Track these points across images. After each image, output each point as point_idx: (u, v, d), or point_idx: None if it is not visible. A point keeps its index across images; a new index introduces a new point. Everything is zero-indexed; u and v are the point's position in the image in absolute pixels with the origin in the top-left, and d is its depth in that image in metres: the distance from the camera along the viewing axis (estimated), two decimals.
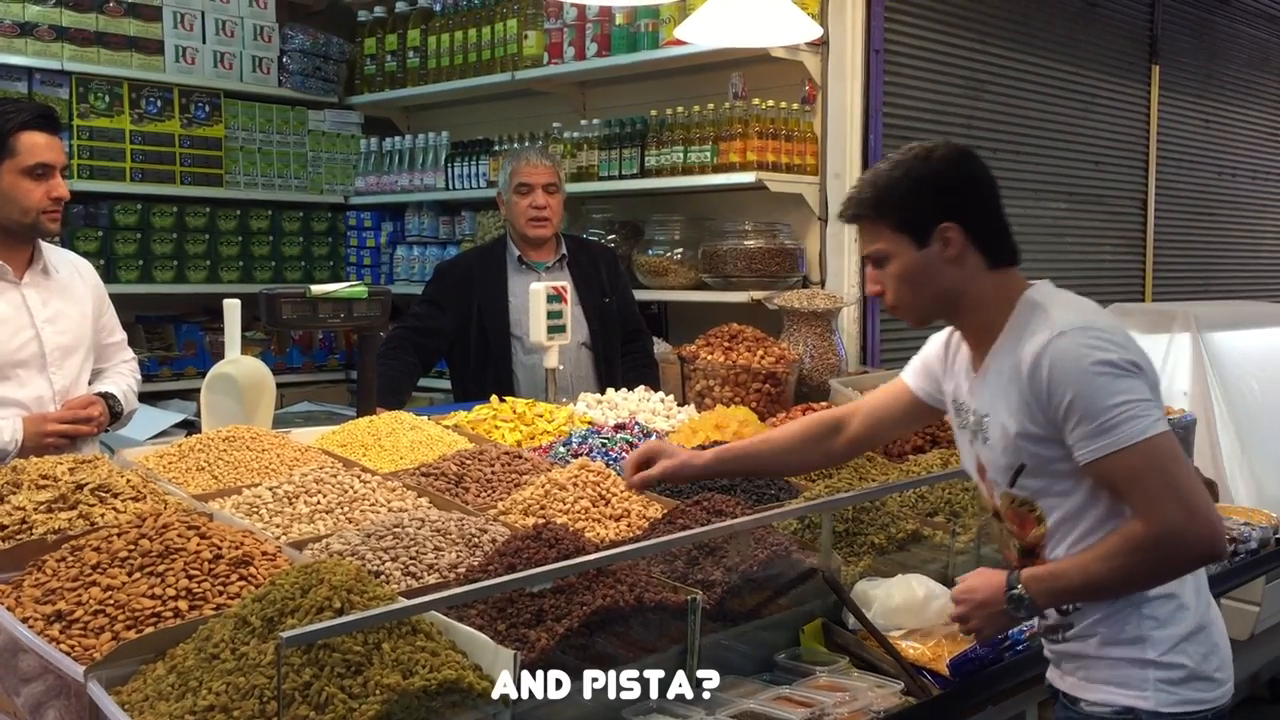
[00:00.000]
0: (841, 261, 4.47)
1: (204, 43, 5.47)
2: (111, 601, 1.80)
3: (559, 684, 1.71)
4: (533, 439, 3.18)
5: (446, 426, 3.11)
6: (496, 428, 3.21)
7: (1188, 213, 6.63)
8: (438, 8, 5.65)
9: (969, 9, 5.03)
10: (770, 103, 4.36)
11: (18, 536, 2.05)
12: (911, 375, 2.25)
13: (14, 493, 2.17)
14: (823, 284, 4.51)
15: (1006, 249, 1.97)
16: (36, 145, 2.94)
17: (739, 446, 2.39)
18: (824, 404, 3.73)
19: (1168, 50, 6.29)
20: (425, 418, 3.12)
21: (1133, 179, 6.18)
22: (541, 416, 3.31)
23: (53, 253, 3.16)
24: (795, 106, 4.46)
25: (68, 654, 1.70)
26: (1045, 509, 1.91)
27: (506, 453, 2.79)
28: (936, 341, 2.19)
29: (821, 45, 4.43)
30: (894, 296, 2.00)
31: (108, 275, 4.71)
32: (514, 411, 3.31)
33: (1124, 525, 1.80)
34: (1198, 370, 4.38)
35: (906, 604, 2.25)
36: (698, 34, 3.65)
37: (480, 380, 4.03)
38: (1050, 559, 1.91)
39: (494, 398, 3.41)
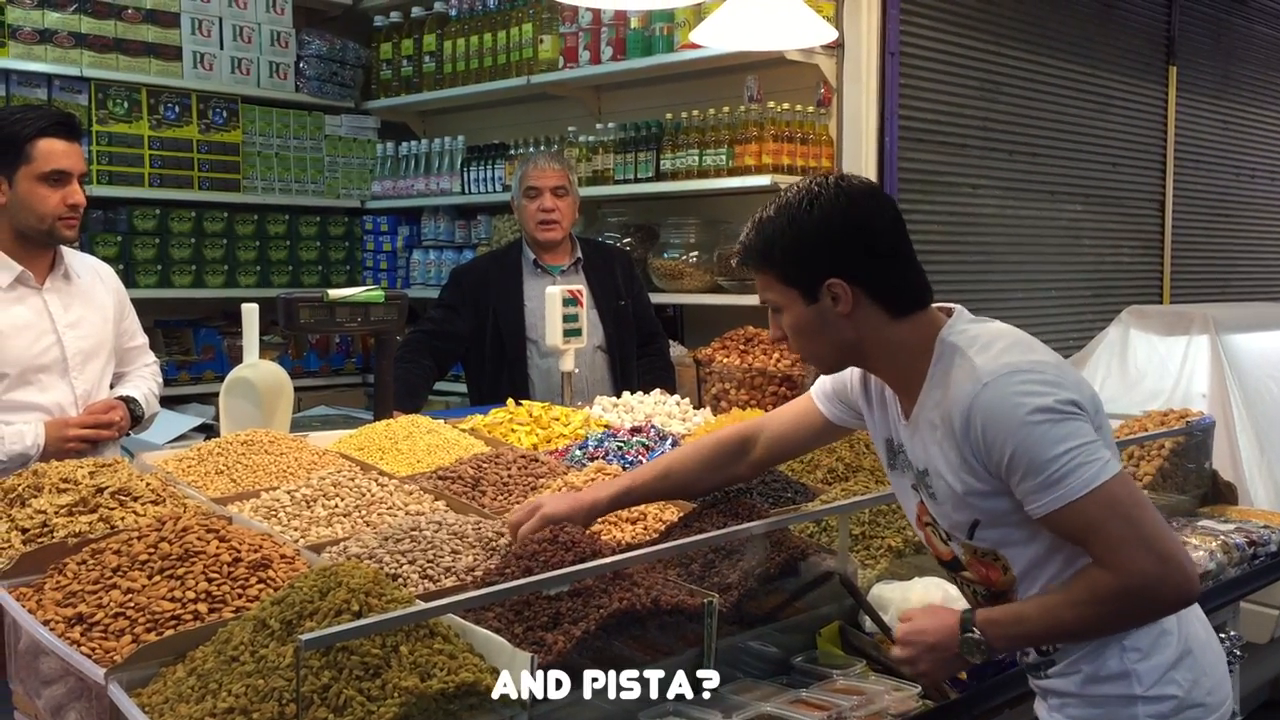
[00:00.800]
0: None
1: (222, 49, 5.50)
2: (132, 604, 1.81)
3: (572, 686, 1.72)
4: (549, 442, 3.19)
5: (463, 430, 3.12)
6: (513, 431, 3.22)
7: (1205, 214, 6.60)
8: (453, 12, 5.67)
9: (984, 11, 5.02)
10: (785, 106, 4.36)
11: (39, 540, 2.07)
12: (823, 399, 2.12)
13: (35, 496, 2.18)
14: None
15: (909, 296, 1.82)
16: (54, 152, 2.96)
17: (640, 483, 2.23)
18: None
19: (1185, 51, 6.26)
20: (442, 421, 3.12)
21: (1150, 180, 6.16)
22: (558, 420, 3.32)
23: (74, 258, 3.19)
24: (810, 109, 4.46)
25: (88, 656, 1.72)
26: (1009, 558, 1.81)
27: (523, 456, 2.79)
28: (855, 373, 2.03)
29: (836, 48, 4.43)
30: (795, 347, 1.89)
31: (127, 280, 4.73)
32: (530, 415, 3.32)
33: (1091, 571, 1.69)
34: (1216, 372, 4.36)
35: (922, 596, 2.24)
36: (713, 37, 3.66)
37: (496, 384, 4.04)
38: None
39: (510, 401, 3.42)
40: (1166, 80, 6.18)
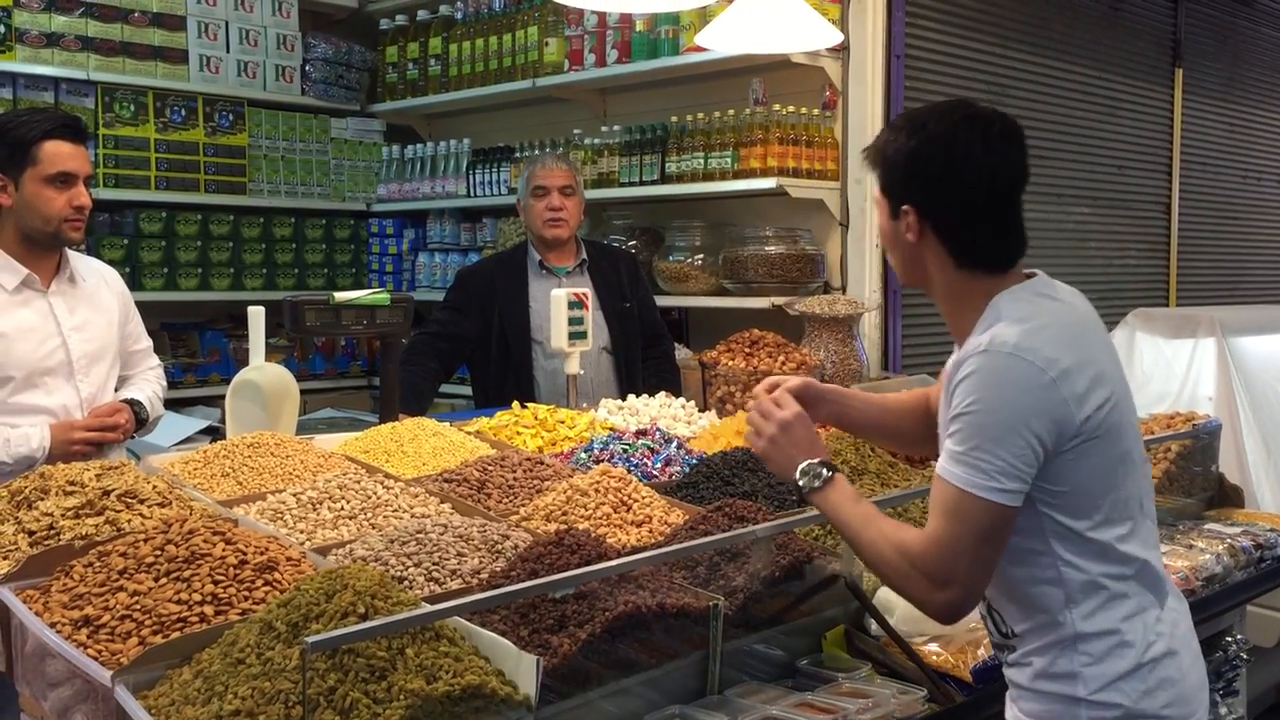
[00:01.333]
0: (863, 267, 4.47)
1: (228, 52, 5.52)
2: (138, 607, 1.81)
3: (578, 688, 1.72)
4: (554, 445, 3.19)
5: (468, 433, 3.12)
6: (518, 434, 3.22)
7: (1212, 217, 6.59)
8: (459, 16, 5.68)
9: (990, 13, 5.02)
10: (791, 108, 4.36)
11: (46, 542, 2.07)
12: None
13: (42, 499, 2.19)
14: (844, 289, 4.50)
15: (979, 253, 1.83)
16: (59, 154, 2.97)
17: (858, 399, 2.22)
18: None
19: (1191, 53, 6.25)
20: (447, 424, 3.13)
21: (1156, 183, 6.15)
22: (563, 423, 3.32)
23: (79, 261, 3.19)
24: (816, 112, 4.46)
25: (95, 659, 1.72)
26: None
27: (528, 459, 2.79)
28: None
29: (842, 51, 4.43)
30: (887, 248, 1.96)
31: (133, 283, 4.75)
32: (535, 418, 3.32)
33: (918, 532, 1.76)
34: (1223, 375, 4.36)
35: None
36: (718, 40, 3.66)
37: (502, 386, 4.05)
38: (990, 593, 1.86)
39: (515, 404, 3.42)
40: (1173, 83, 6.17)
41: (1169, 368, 4.53)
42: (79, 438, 2.97)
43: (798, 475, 1.88)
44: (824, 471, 1.86)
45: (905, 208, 1.82)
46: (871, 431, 2.33)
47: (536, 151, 5.19)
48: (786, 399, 1.96)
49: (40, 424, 2.95)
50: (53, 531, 2.10)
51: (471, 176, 5.55)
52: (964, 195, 1.79)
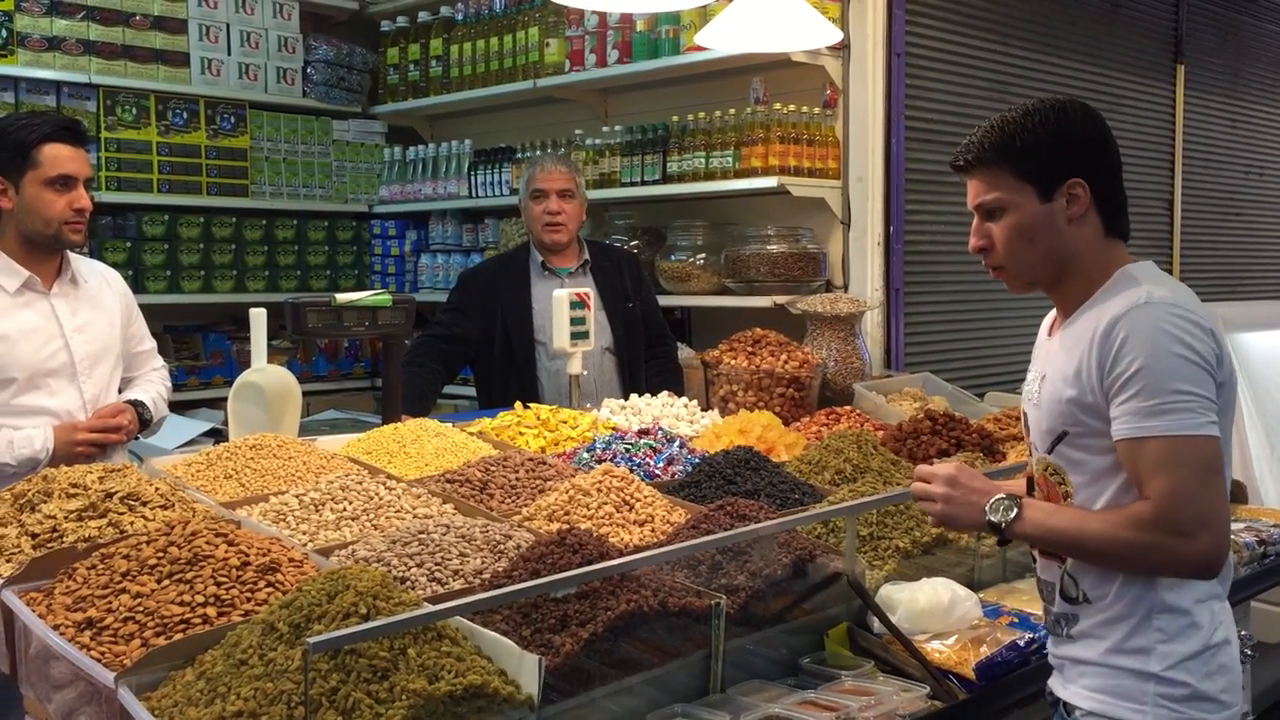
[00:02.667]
0: (864, 265, 4.47)
1: (229, 54, 5.52)
2: (141, 608, 1.82)
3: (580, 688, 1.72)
4: (557, 445, 3.19)
5: (471, 433, 3.12)
6: (520, 434, 3.22)
7: (1215, 213, 6.57)
8: (460, 17, 5.68)
9: (991, 11, 5.01)
10: (792, 107, 4.36)
11: (49, 544, 2.08)
12: None
13: (45, 501, 2.19)
14: (846, 288, 4.50)
15: (1123, 220, 1.95)
16: (59, 157, 2.97)
17: None
18: (848, 408, 3.73)
19: (1193, 50, 6.25)
20: (450, 424, 3.13)
21: (1159, 179, 6.14)
22: (565, 423, 3.32)
23: (81, 263, 3.20)
24: (817, 111, 4.45)
25: (98, 661, 1.73)
26: (1074, 483, 1.88)
27: (531, 459, 2.80)
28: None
29: (842, 49, 4.42)
30: (1004, 252, 1.93)
31: (136, 286, 4.75)
32: (538, 418, 3.32)
33: (1135, 504, 1.77)
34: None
35: (932, 608, 2.24)
36: (718, 40, 3.66)
37: (505, 387, 4.05)
38: None
39: (518, 404, 3.43)
40: (1175, 79, 6.16)
41: None
42: (82, 439, 2.98)
43: (988, 517, 1.87)
44: (1009, 503, 1.86)
45: (1075, 181, 1.87)
46: None
47: (538, 152, 5.19)
48: (931, 468, 1.97)
49: (44, 426, 2.95)
50: (56, 534, 2.11)
51: (473, 177, 5.55)
52: (1117, 162, 1.93)
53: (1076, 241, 1.90)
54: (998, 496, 1.87)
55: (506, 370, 4.12)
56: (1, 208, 3.01)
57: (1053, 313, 2.05)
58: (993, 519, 1.86)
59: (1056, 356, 1.90)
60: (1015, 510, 1.85)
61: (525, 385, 4.03)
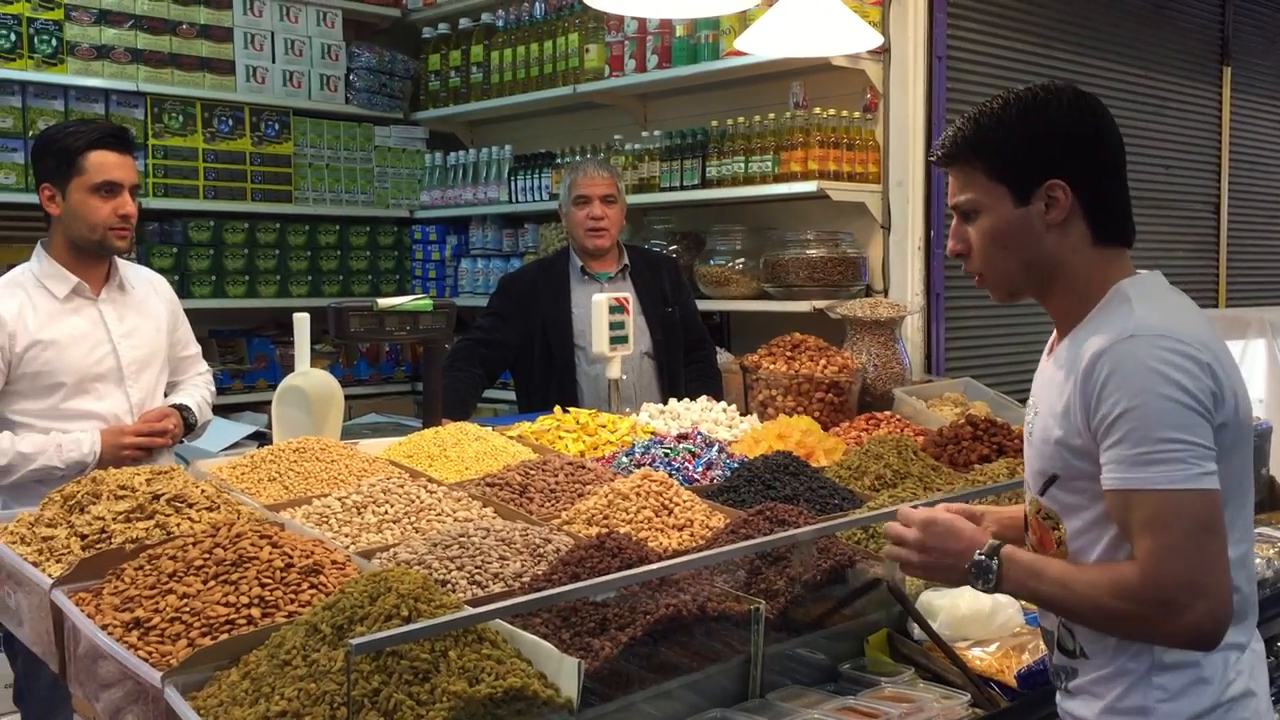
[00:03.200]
0: (904, 270, 4.44)
1: (274, 62, 5.59)
2: (187, 609, 1.84)
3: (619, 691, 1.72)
4: (596, 449, 3.20)
5: (511, 437, 3.14)
6: (560, 438, 3.24)
7: (1262, 216, 6.48)
8: (500, 23, 5.71)
9: (1033, 13, 4.97)
10: (831, 111, 4.35)
11: (97, 545, 2.11)
12: None
13: (93, 503, 2.23)
14: (886, 293, 4.48)
15: (1119, 227, 1.72)
16: (104, 164, 3.02)
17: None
18: (887, 413, 3.71)
19: (1239, 51, 6.16)
20: (490, 429, 3.15)
21: (1205, 182, 6.07)
22: (605, 427, 3.33)
23: (129, 269, 3.25)
24: (857, 115, 4.44)
25: (145, 660, 1.75)
26: (1067, 529, 1.70)
27: (570, 463, 2.81)
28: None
29: (883, 53, 4.41)
30: (980, 260, 1.76)
31: (182, 291, 4.82)
32: (577, 422, 3.33)
33: (1122, 565, 1.58)
34: (1273, 377, 4.29)
35: (973, 614, 2.23)
36: (758, 44, 3.66)
37: (545, 391, 4.06)
38: None
39: (557, 408, 3.44)
40: (1221, 81, 6.09)
41: None
42: (129, 443, 3.02)
43: (969, 577, 1.70)
44: (988, 560, 1.68)
45: (1054, 183, 1.67)
46: None
47: (578, 157, 5.20)
48: (909, 512, 1.80)
49: (91, 429, 3.00)
50: (104, 535, 2.14)
51: (513, 183, 5.58)
52: (1115, 161, 1.71)
53: (1060, 250, 1.70)
54: (977, 556, 1.69)
55: (546, 374, 4.13)
56: (50, 214, 3.07)
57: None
58: (975, 584, 1.70)
59: (1047, 387, 1.72)
60: (994, 573, 1.67)
61: (564, 389, 4.05)
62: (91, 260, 3.10)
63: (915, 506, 1.85)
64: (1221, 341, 1.65)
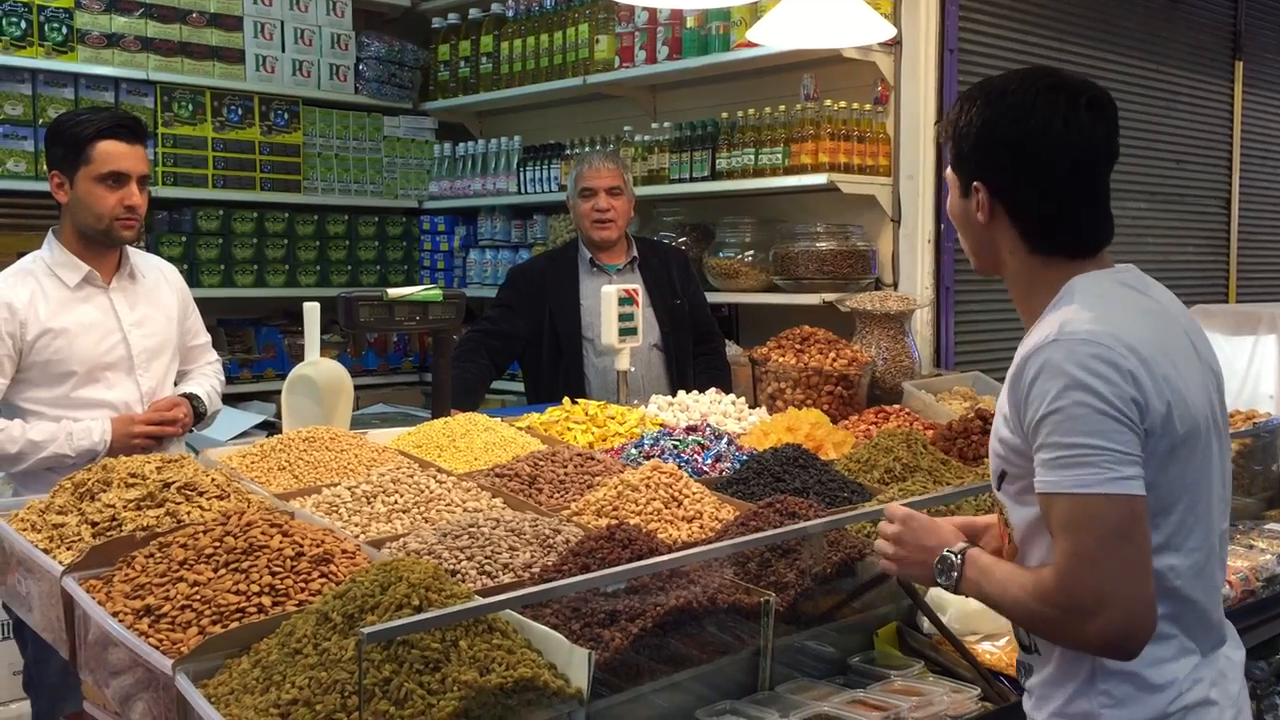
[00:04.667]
0: (914, 263, 4.43)
1: (283, 51, 5.58)
2: (198, 597, 1.84)
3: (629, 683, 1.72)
4: (604, 441, 3.20)
5: (519, 428, 3.14)
6: (569, 429, 3.23)
7: (1273, 211, 6.46)
8: (510, 14, 5.70)
9: (1046, 6, 4.95)
10: (842, 104, 4.34)
11: (108, 533, 2.12)
12: None
13: (104, 490, 2.23)
14: (895, 286, 4.47)
15: (1054, 238, 1.68)
16: (112, 153, 3.02)
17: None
18: (897, 407, 3.70)
19: (1251, 46, 6.14)
20: (499, 419, 3.15)
21: (1216, 177, 6.05)
22: (613, 418, 3.33)
23: (140, 258, 3.25)
24: (868, 107, 4.43)
25: (156, 648, 1.75)
26: (1014, 524, 1.70)
27: (579, 454, 2.80)
28: None
29: (894, 45, 4.39)
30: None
31: (190, 280, 4.81)
32: (586, 413, 3.33)
33: (1045, 569, 1.58)
34: None
35: (983, 609, 2.20)
36: (770, 36, 3.64)
37: (553, 382, 4.06)
38: None
39: (566, 400, 3.44)
40: (1233, 75, 6.06)
41: (1229, 365, 4.43)
42: (139, 431, 3.03)
43: (935, 572, 1.74)
44: (953, 558, 1.71)
45: (976, 184, 1.70)
46: None
47: (587, 149, 5.20)
48: (893, 508, 1.85)
49: (102, 418, 3.01)
50: (115, 523, 2.14)
51: (522, 174, 5.58)
52: (1039, 172, 1.66)
53: (999, 246, 1.73)
54: (945, 552, 1.72)
55: (554, 366, 4.13)
56: (60, 201, 3.07)
57: None
58: (940, 582, 1.73)
59: (1004, 385, 1.69)
60: (956, 572, 1.70)
61: (573, 381, 4.05)
62: (102, 249, 3.11)
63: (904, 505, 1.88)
64: (1167, 349, 1.62)
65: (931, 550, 1.75)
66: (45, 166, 3.10)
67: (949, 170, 1.79)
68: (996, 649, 2.19)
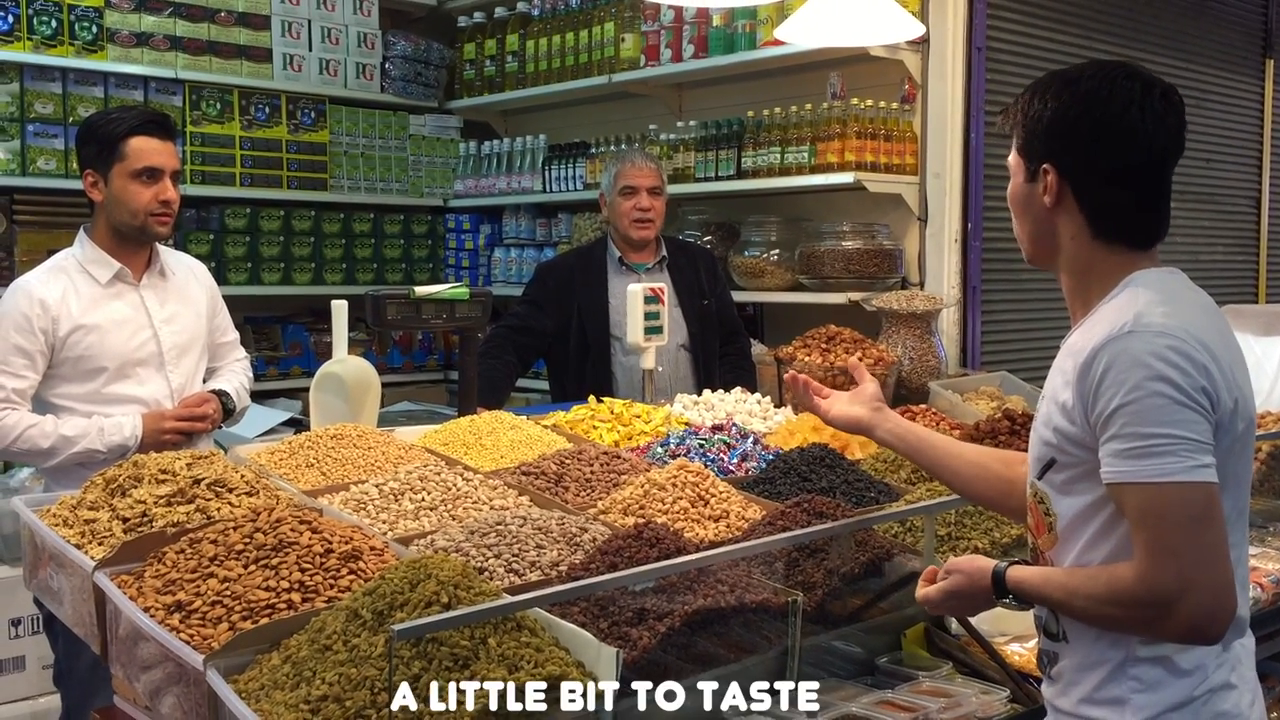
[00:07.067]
0: (941, 262, 4.41)
1: (310, 50, 5.61)
2: (228, 593, 1.85)
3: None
4: (630, 439, 3.19)
5: (545, 426, 3.14)
6: (594, 428, 3.23)
7: None
8: (536, 12, 5.71)
9: (1075, 4, 4.92)
10: (869, 102, 4.32)
11: (139, 529, 2.13)
12: None
13: (135, 486, 2.24)
14: (922, 285, 4.45)
15: (1120, 225, 1.71)
16: (145, 149, 3.05)
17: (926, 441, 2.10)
18: (923, 406, 3.69)
19: None
20: (524, 417, 3.15)
21: (1246, 177, 5.99)
22: (639, 417, 3.32)
23: (170, 256, 3.28)
24: (894, 106, 4.41)
25: (187, 643, 1.76)
26: (1059, 513, 1.71)
27: (605, 453, 2.80)
28: None
29: (922, 44, 4.37)
30: (1013, 219, 1.83)
31: (218, 277, 4.83)
32: (611, 412, 3.33)
33: (1119, 567, 1.60)
34: None
35: (1012, 610, 2.21)
36: (798, 34, 3.63)
37: (580, 380, 4.06)
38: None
39: (591, 398, 3.44)
40: (1263, 74, 6.00)
41: (1259, 365, 4.41)
42: (170, 427, 3.05)
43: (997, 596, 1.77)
44: (1007, 601, 1.75)
45: (1045, 167, 1.71)
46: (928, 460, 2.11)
47: (612, 147, 5.20)
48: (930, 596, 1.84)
49: (132, 413, 3.03)
50: (146, 518, 2.15)
51: (547, 172, 5.58)
52: (1113, 158, 1.69)
53: (1060, 233, 1.74)
54: (999, 601, 1.76)
55: (581, 364, 4.13)
56: (93, 200, 3.09)
57: None
58: (1000, 601, 1.77)
59: (1054, 374, 1.72)
60: (1015, 603, 1.74)
61: (599, 379, 4.05)
62: (134, 246, 3.13)
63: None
64: (1229, 346, 1.66)
65: (976, 601, 1.81)
66: (75, 165, 3.13)
67: (1013, 156, 1.80)
68: (1025, 650, 2.17)
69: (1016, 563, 1.77)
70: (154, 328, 3.12)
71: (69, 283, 3.05)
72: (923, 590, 1.85)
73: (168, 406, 3.11)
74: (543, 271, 4.39)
